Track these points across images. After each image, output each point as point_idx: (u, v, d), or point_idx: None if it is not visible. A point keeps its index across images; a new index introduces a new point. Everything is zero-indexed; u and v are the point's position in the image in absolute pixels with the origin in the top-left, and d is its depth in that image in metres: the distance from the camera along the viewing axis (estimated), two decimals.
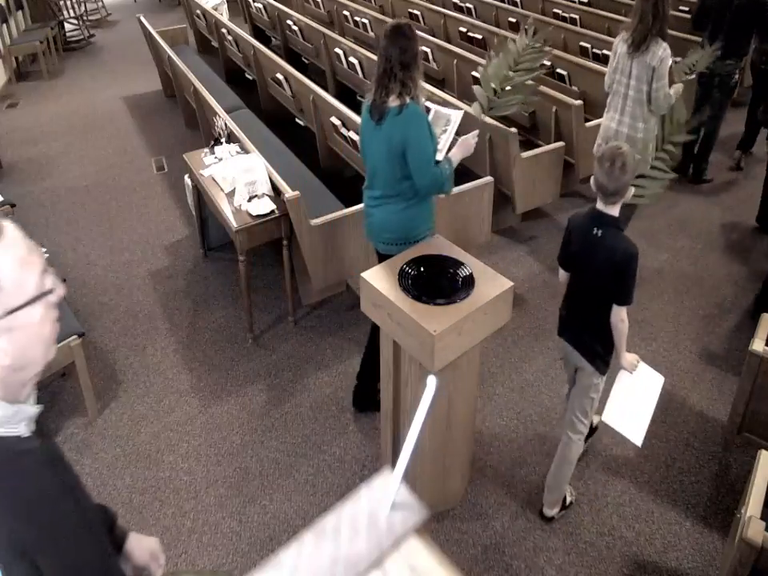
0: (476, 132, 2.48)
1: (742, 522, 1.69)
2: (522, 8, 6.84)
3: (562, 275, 2.15)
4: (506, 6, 6.75)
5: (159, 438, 2.65)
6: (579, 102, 3.97)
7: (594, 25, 6.04)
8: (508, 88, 2.73)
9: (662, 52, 3.07)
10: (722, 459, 2.41)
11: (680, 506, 2.26)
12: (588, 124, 4.08)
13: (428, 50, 5.27)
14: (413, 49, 2.19)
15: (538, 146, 3.89)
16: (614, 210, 1.93)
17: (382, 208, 2.36)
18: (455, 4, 7.01)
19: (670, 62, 3.11)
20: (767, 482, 1.77)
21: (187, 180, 3.68)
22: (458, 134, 2.51)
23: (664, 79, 3.10)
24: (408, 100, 2.18)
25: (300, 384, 2.90)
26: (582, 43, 5.45)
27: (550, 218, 4.13)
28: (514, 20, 6.22)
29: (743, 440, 2.25)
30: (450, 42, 5.72)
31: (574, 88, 4.68)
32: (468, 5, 6.87)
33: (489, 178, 3.40)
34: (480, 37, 5.68)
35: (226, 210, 3.02)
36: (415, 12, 6.60)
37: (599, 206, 1.95)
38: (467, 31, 5.84)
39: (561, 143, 3.83)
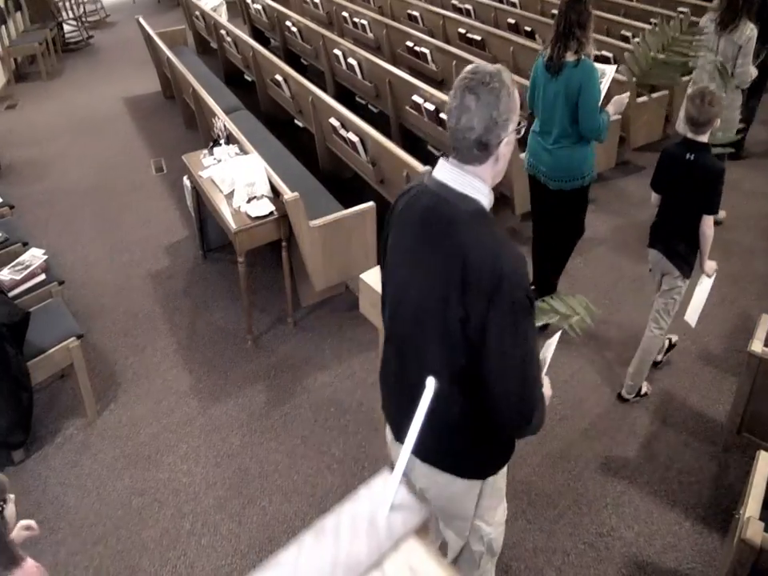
0: (627, 93, 2.93)
1: (740, 522, 1.70)
2: (521, 8, 6.85)
3: (654, 197, 2.58)
4: (504, 7, 6.76)
5: (158, 439, 2.65)
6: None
7: (595, 26, 6.04)
8: (661, 56, 2.88)
9: (749, 32, 3.44)
10: (721, 460, 2.41)
11: (679, 507, 2.26)
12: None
13: (427, 51, 5.27)
14: (587, 11, 2.63)
15: None
16: (704, 138, 2.37)
17: (555, 151, 2.83)
18: (454, 5, 7.02)
19: (755, 41, 3.45)
20: (766, 483, 1.78)
21: (186, 181, 3.68)
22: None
23: (748, 56, 3.48)
24: (582, 56, 2.62)
25: (299, 385, 2.90)
26: None
27: None
28: (513, 21, 6.23)
29: (742, 440, 2.25)
30: (449, 43, 5.72)
31: None
32: (467, 6, 6.88)
33: None
34: (479, 38, 5.69)
35: (225, 212, 3.03)
36: (414, 13, 6.61)
37: (690, 135, 2.38)
38: (466, 32, 5.84)
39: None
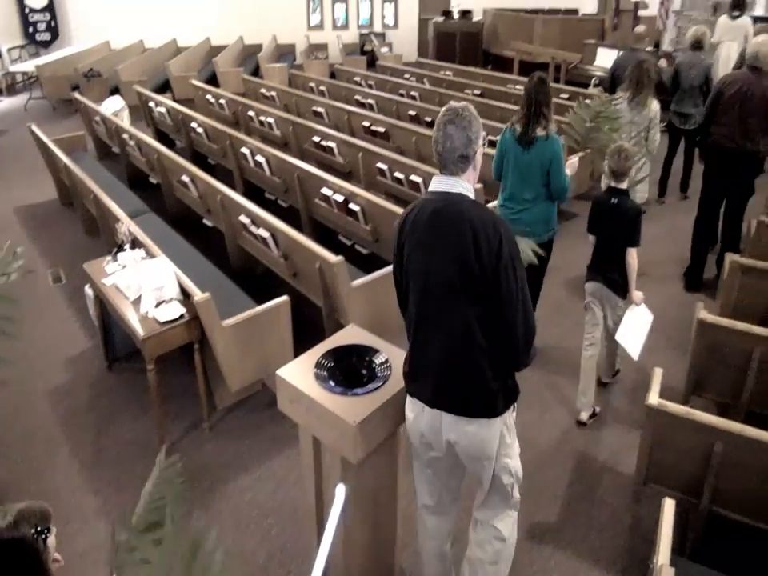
0: (577, 158, 3.94)
1: (654, 571, 1.90)
2: (421, 101, 7.72)
3: (591, 238, 3.28)
4: (405, 100, 7.61)
5: (61, 572, 2.53)
6: (479, 184, 4.50)
7: (487, 113, 6.91)
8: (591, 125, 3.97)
9: (654, 107, 4.67)
10: (635, 512, 2.68)
11: (602, 563, 2.47)
12: (490, 204, 4.61)
13: (333, 145, 5.80)
14: (549, 93, 3.35)
15: None
16: (624, 186, 3.14)
17: (533, 208, 3.45)
18: (357, 100, 7.80)
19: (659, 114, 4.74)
20: (672, 529, 2.01)
21: (88, 290, 3.74)
22: None
23: (657, 127, 4.68)
24: (549, 130, 3.32)
25: (218, 492, 2.90)
26: None
27: None
28: (413, 113, 7.01)
29: (651, 490, 2.50)
30: (354, 136, 6.33)
31: None
32: (370, 101, 7.68)
33: None
34: (383, 130, 6.34)
35: (132, 319, 3.11)
36: (319, 109, 7.27)
37: (613, 184, 3.15)
38: (370, 125, 6.50)
39: None
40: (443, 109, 1.90)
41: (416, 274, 1.93)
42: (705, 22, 8.16)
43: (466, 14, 12.57)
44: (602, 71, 9.12)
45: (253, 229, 4.05)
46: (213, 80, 10.04)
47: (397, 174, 4.97)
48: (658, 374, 2.69)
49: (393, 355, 2.45)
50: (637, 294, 3.15)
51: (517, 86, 8.30)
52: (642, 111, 4.69)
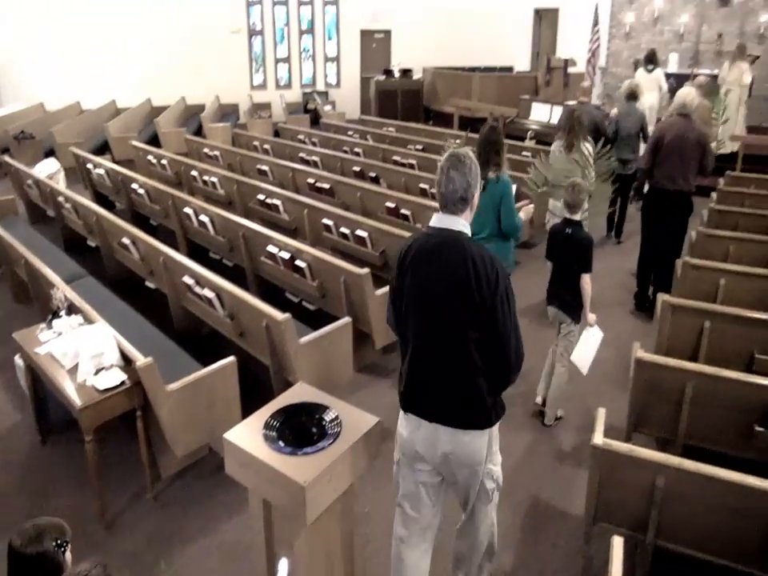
0: (532, 205, 4.29)
1: None
2: (365, 157, 8.05)
3: (549, 265, 3.70)
4: (349, 156, 7.92)
5: None
6: None
7: (430, 167, 7.28)
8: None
9: (586, 150, 5.15)
10: (586, 552, 2.76)
11: None
12: None
13: (278, 203, 5.95)
14: (499, 140, 3.82)
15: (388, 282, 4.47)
16: (577, 217, 3.58)
17: (488, 245, 3.64)
18: (302, 158, 8.06)
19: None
20: (622, 567, 2.10)
21: (18, 360, 3.64)
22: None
23: (590, 167, 5.03)
24: (500, 174, 3.75)
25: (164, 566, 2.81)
26: (421, 185, 6.52)
27: None
28: (358, 168, 7.29)
29: (601, 529, 2.60)
30: (299, 193, 6.53)
31: (418, 225, 5.52)
32: (314, 158, 7.95)
33: (347, 319, 3.83)
34: (328, 186, 6.57)
35: (68, 388, 3.06)
36: (264, 168, 7.47)
37: (567, 216, 3.58)
38: (315, 182, 6.72)
39: None
40: (446, 154, 2.21)
41: (419, 300, 2.20)
42: (627, 78, 9.04)
43: (406, 72, 13.31)
44: (536, 124, 9.78)
45: (197, 289, 4.09)
46: (154, 140, 10.15)
47: (343, 230, 5.15)
48: (601, 414, 2.84)
49: (343, 411, 2.51)
50: (591, 316, 3.57)
51: (457, 141, 8.80)
52: (575, 154, 5.16)
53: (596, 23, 11.18)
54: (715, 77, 9.18)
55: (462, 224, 2.18)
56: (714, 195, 5.78)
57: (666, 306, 3.64)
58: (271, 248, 4.66)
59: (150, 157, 8.13)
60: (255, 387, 3.57)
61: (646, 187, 5.18)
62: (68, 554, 1.80)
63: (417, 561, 2.39)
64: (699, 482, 2.35)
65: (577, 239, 3.50)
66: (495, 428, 2.31)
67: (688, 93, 4.87)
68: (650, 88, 8.34)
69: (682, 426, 2.97)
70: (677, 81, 8.88)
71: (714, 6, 11.03)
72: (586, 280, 3.49)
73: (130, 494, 3.25)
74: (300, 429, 2.45)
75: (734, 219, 5.16)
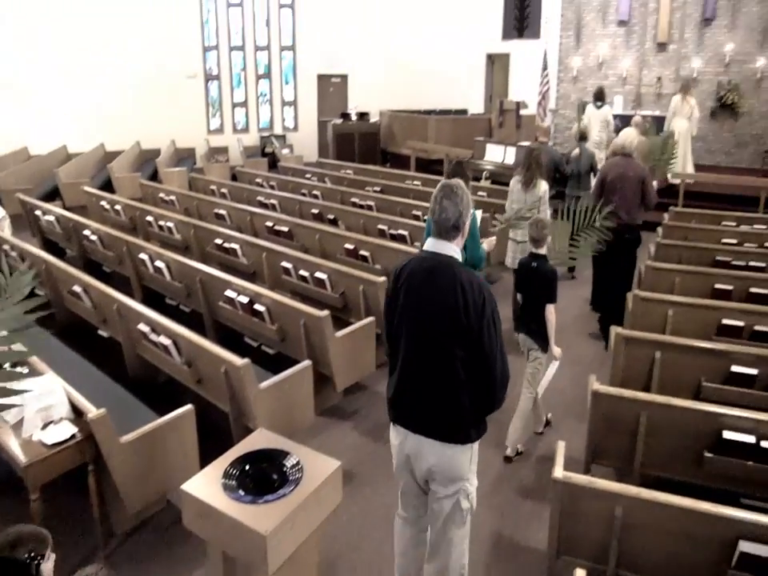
0: (494, 237, 4.45)
1: None
2: (323, 200, 8.20)
3: (519, 296, 3.98)
4: (307, 199, 8.06)
5: None
6: (383, 278, 4.81)
7: (388, 209, 7.47)
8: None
9: (544, 187, 5.41)
10: None
11: None
12: None
13: (236, 246, 5.99)
14: (466, 174, 4.18)
15: (351, 323, 4.54)
16: (542, 251, 3.85)
17: None
18: (260, 201, 8.15)
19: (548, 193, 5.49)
20: None
21: None
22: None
23: (546, 204, 5.41)
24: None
25: None
26: (380, 226, 6.67)
27: (370, 390, 4.71)
28: (316, 211, 7.42)
29: (564, 563, 2.65)
30: (257, 237, 6.58)
31: (377, 266, 5.64)
32: (272, 201, 8.05)
33: (307, 362, 3.86)
34: (286, 229, 6.65)
35: (12, 444, 2.96)
36: (221, 212, 7.52)
37: (533, 250, 3.85)
38: (274, 225, 6.80)
39: (371, 318, 4.53)
40: (439, 184, 2.43)
41: (411, 318, 2.40)
42: (575, 119, 9.61)
43: (363, 115, 13.71)
44: (491, 165, 10.17)
45: (153, 337, 4.05)
46: (108, 186, 10.10)
47: (302, 272, 5.21)
48: (561, 447, 2.93)
49: (304, 456, 2.53)
50: (557, 351, 3.82)
51: (414, 182, 9.07)
52: (533, 191, 5.48)
53: (545, 68, 11.83)
54: (656, 117, 9.84)
55: (453, 250, 2.38)
56: (659, 230, 6.12)
57: (618, 339, 3.80)
58: (229, 292, 4.67)
59: (103, 202, 8.08)
60: (214, 435, 3.53)
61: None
62: (47, 565, 1.88)
63: (415, 535, 2.68)
64: (656, 510, 2.44)
65: (542, 272, 3.76)
66: (476, 447, 2.47)
67: (628, 135, 5.35)
68: (599, 124, 9.20)
69: (638, 455, 3.08)
70: (622, 121, 9.48)
71: (653, 51, 11.83)
72: (551, 310, 3.74)
73: (81, 555, 3.13)
74: (260, 476, 2.46)
75: (678, 253, 5.46)
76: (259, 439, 2.70)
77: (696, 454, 2.96)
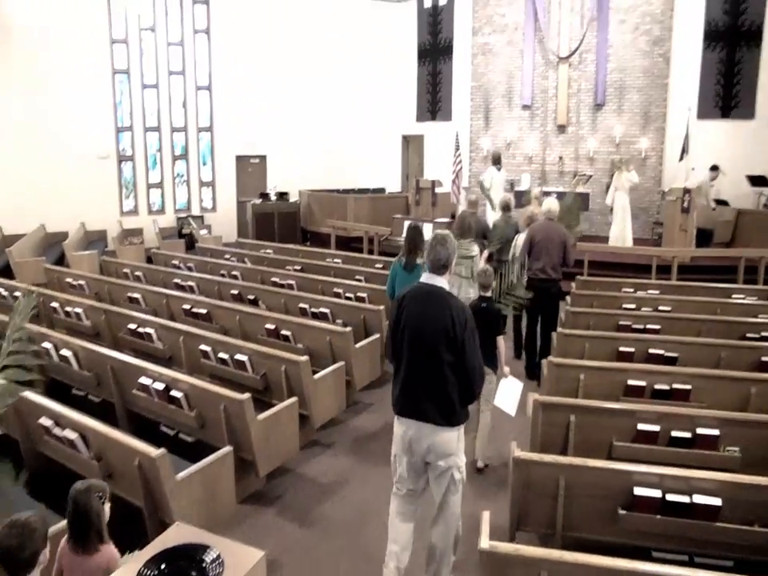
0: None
1: None
2: (243, 280, 8.25)
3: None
4: (226, 280, 8.08)
5: None
6: (305, 357, 4.88)
7: (309, 288, 7.62)
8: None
9: (476, 249, 6.31)
10: None
11: None
12: (316, 376, 4.97)
13: (152, 331, 5.88)
14: (422, 235, 5.36)
15: (273, 405, 4.53)
16: (489, 294, 4.81)
17: None
18: (177, 284, 8.09)
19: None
20: None
21: None
22: None
23: (478, 263, 6.29)
24: (423, 259, 4.79)
25: None
26: (301, 305, 6.77)
27: (294, 472, 4.65)
28: (236, 292, 7.45)
29: None
30: (174, 320, 6.50)
31: (299, 345, 5.70)
32: (190, 283, 8.01)
33: (228, 448, 3.81)
34: (204, 311, 6.62)
35: None
36: (135, 295, 7.39)
37: (482, 294, 4.80)
38: (191, 307, 6.75)
39: (294, 399, 4.55)
40: (433, 234, 3.34)
41: (412, 332, 3.21)
42: (483, 197, 10.46)
43: (282, 195, 14.08)
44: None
45: (57, 431, 3.88)
46: (6, 271, 9.69)
47: (221, 355, 5.18)
48: (486, 517, 3.02)
49: (225, 549, 2.49)
50: (506, 369, 4.63)
51: (335, 260, 9.33)
52: (467, 250, 6.30)
53: (457, 148, 12.77)
54: (559, 192, 10.84)
55: (442, 282, 3.25)
56: (568, 299, 6.61)
57: (536, 405, 4.02)
58: (144, 379, 4.57)
59: (0, 290, 7.74)
60: (126, 533, 3.36)
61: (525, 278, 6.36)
62: (107, 507, 2.64)
63: (406, 527, 3.36)
64: (579, 572, 2.56)
65: (491, 311, 4.70)
66: (462, 431, 3.28)
67: (553, 202, 6.56)
68: (500, 185, 10.92)
69: (559, 519, 3.22)
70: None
71: (554, 133, 13.09)
72: (500, 341, 4.62)
73: None
74: (178, 574, 2.38)
75: (586, 319, 5.91)
76: (176, 534, 2.63)
77: (612, 512, 3.14)
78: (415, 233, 5.36)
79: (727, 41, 11.94)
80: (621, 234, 10.79)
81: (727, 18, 11.87)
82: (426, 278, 3.29)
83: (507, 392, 4.48)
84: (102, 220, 12.75)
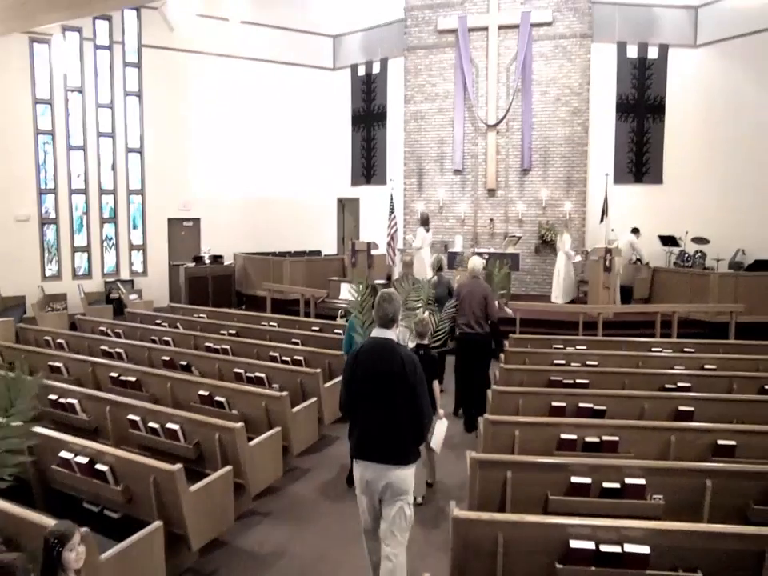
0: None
1: None
2: (176, 346, 8.08)
3: None
4: (157, 346, 7.89)
5: None
6: (240, 424, 4.81)
7: (245, 352, 7.55)
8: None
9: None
10: None
11: None
12: (251, 443, 4.90)
13: (75, 402, 5.64)
14: (377, 292, 5.07)
15: (207, 474, 4.42)
16: (425, 342, 5.46)
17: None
18: (104, 350, 7.83)
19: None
20: None
21: None
22: None
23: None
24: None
25: None
26: (236, 369, 6.70)
27: (229, 545, 4.52)
28: (167, 358, 7.28)
29: None
30: (100, 389, 6.27)
31: (234, 412, 5.61)
32: (118, 350, 7.78)
33: (157, 523, 3.68)
34: (134, 379, 6.42)
35: None
36: (56, 364, 7.09)
37: (418, 341, 5.37)
38: (119, 375, 6.53)
39: (228, 467, 4.47)
40: (380, 293, 3.77)
41: (367, 380, 3.63)
42: (416, 258, 10.88)
43: (217, 258, 14.01)
44: (346, 303, 10.79)
45: None
46: None
47: (151, 424, 5.03)
48: None
49: None
50: (440, 411, 5.03)
51: (271, 323, 9.31)
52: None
53: (392, 210, 13.20)
54: (491, 254, 11.37)
55: (390, 335, 3.70)
56: (502, 356, 6.88)
57: (473, 463, 4.11)
58: (65, 453, 4.37)
59: None
60: None
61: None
62: (71, 555, 2.71)
63: (375, 545, 3.77)
64: None
65: (427, 357, 5.15)
66: (413, 469, 3.69)
67: (477, 261, 7.14)
68: (428, 245, 12.15)
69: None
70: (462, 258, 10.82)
71: (484, 196, 13.78)
72: (436, 385, 5.17)
73: None
74: None
75: (519, 376, 6.14)
76: None
77: (549, 567, 3.21)
78: (373, 293, 5.70)
79: (636, 113, 13.17)
80: (561, 296, 11.93)
81: (635, 92, 13.15)
82: (376, 332, 3.71)
83: (439, 432, 4.92)
84: (21, 285, 12.24)
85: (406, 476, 3.61)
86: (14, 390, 2.56)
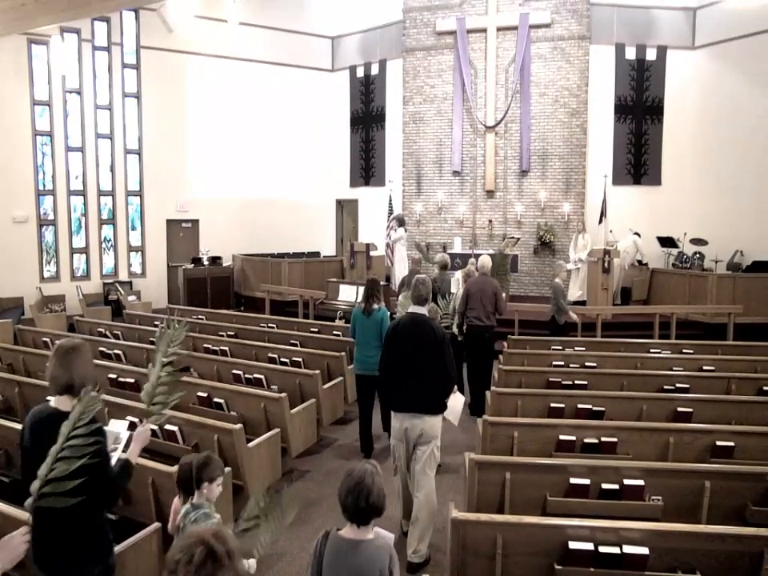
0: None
1: None
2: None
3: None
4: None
5: None
6: (239, 425, 4.81)
7: (243, 353, 7.55)
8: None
9: (382, 313, 6.25)
10: None
11: None
12: (250, 444, 4.90)
13: None
14: (377, 284, 6.43)
15: None
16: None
17: (374, 355, 5.66)
18: (102, 352, 7.82)
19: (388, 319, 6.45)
20: None
21: None
22: None
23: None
24: (380, 305, 6.22)
25: None
26: (234, 371, 6.69)
27: None
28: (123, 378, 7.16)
29: None
30: (98, 390, 6.23)
31: (233, 413, 5.61)
32: (116, 351, 7.76)
33: (155, 525, 3.67)
34: (132, 380, 6.41)
35: None
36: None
37: (414, 309, 4.80)
38: (117, 377, 6.53)
39: (227, 469, 4.45)
40: (415, 277, 4.68)
41: (405, 345, 4.45)
42: (419, 258, 10.89)
43: (215, 260, 14.00)
44: (345, 304, 10.80)
45: None
46: None
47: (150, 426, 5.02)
48: None
49: None
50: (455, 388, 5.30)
51: (269, 325, 9.31)
52: (375, 316, 6.28)
53: (391, 212, 13.21)
54: (491, 255, 11.38)
55: (423, 311, 4.54)
56: (501, 357, 6.88)
57: (471, 465, 4.11)
58: None
59: None
60: None
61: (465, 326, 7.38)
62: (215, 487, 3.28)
63: (407, 482, 4.52)
64: None
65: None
66: (440, 418, 4.50)
67: (486, 258, 7.63)
68: (402, 243, 12.51)
69: None
70: (461, 259, 10.79)
71: (483, 198, 13.79)
72: None
73: None
74: None
75: (518, 377, 6.15)
76: None
77: (548, 568, 3.22)
78: (373, 284, 6.27)
79: (635, 114, 13.20)
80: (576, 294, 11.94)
81: (634, 93, 13.17)
82: (412, 308, 4.56)
83: (453, 405, 5.07)
84: (18, 286, 12.23)
85: (435, 422, 4.40)
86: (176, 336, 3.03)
